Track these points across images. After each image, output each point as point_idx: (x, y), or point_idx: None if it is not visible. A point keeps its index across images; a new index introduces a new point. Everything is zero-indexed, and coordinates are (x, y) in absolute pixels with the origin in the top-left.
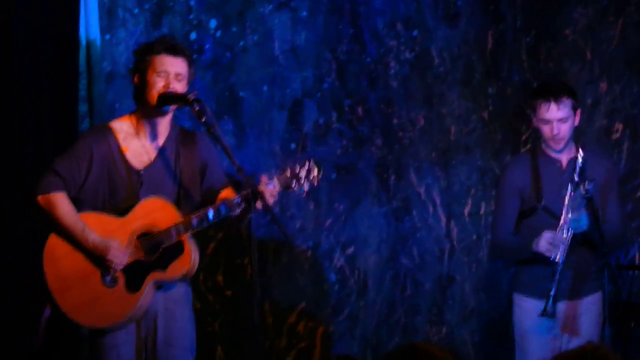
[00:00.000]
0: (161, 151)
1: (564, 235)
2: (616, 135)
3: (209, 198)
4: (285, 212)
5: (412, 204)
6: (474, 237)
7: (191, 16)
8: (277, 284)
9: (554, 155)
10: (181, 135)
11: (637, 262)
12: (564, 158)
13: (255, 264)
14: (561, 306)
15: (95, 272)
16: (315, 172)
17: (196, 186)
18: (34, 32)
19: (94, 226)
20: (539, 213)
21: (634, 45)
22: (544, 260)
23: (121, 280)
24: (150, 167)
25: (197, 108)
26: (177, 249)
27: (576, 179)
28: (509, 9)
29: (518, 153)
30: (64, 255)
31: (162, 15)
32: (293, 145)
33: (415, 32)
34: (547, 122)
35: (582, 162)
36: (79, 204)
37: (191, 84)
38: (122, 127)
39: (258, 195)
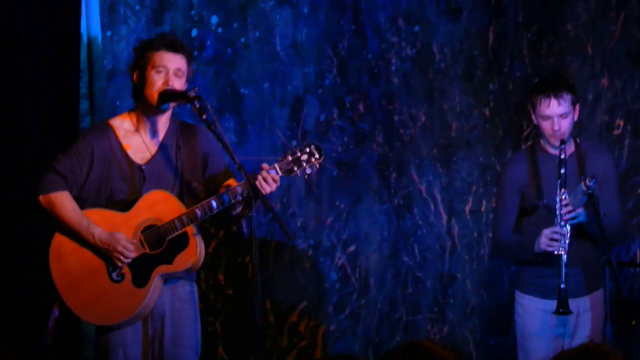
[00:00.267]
0: (162, 146)
1: (563, 229)
2: (617, 131)
3: (212, 189)
4: (287, 210)
5: (414, 201)
6: (475, 234)
7: (192, 12)
8: (278, 283)
9: (553, 151)
10: (181, 129)
11: (638, 259)
12: (566, 156)
13: (256, 263)
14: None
15: (101, 268)
16: (316, 155)
17: (198, 178)
18: (35, 30)
19: (99, 222)
20: (540, 211)
21: (635, 40)
22: (547, 260)
23: (128, 276)
24: (151, 161)
25: (197, 105)
26: (183, 241)
27: (562, 170)
28: (510, 4)
29: (518, 150)
30: (69, 253)
31: (164, 11)
32: (294, 142)
33: (416, 28)
34: (548, 118)
35: (565, 155)
36: (81, 202)
37: (191, 80)
38: (122, 124)
39: (259, 192)
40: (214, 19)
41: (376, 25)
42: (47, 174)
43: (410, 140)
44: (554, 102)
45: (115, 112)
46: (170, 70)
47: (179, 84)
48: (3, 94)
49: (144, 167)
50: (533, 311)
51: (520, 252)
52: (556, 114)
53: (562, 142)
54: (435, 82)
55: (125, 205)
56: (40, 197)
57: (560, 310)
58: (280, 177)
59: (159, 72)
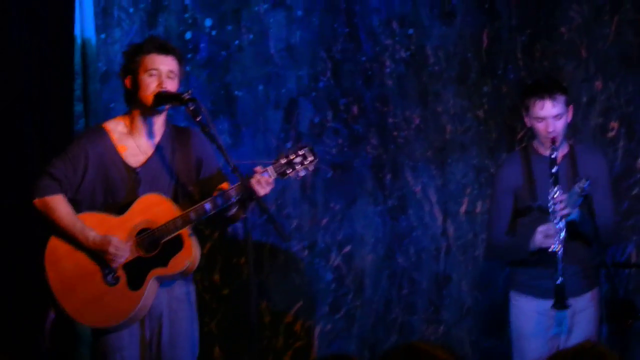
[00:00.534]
0: (157, 149)
1: (557, 225)
2: (611, 134)
3: (206, 192)
4: (282, 211)
5: (408, 202)
6: (470, 235)
7: (186, 15)
8: (273, 284)
9: (546, 153)
10: (175, 133)
11: (633, 260)
12: (557, 155)
13: (251, 264)
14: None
15: (96, 271)
16: (310, 158)
17: (193, 181)
18: (29, 32)
19: (93, 225)
20: (534, 212)
21: (629, 43)
22: (541, 260)
23: (123, 278)
24: (146, 165)
25: (192, 107)
26: (177, 244)
27: (554, 169)
28: (504, 8)
29: (512, 152)
30: (65, 257)
31: (157, 14)
32: (289, 144)
33: (410, 31)
34: (542, 119)
35: (557, 153)
36: (77, 206)
37: (183, 81)
38: (117, 127)
39: (253, 193)
40: (208, 22)
41: (370, 28)
42: (41, 178)
43: (404, 143)
44: (548, 103)
45: (109, 114)
46: (163, 72)
47: (172, 86)
48: None
49: (139, 170)
50: (528, 312)
51: (515, 252)
52: (550, 115)
53: (554, 141)
54: (429, 84)
55: (120, 208)
56: (35, 201)
57: (558, 305)
58: (275, 180)
59: (151, 75)
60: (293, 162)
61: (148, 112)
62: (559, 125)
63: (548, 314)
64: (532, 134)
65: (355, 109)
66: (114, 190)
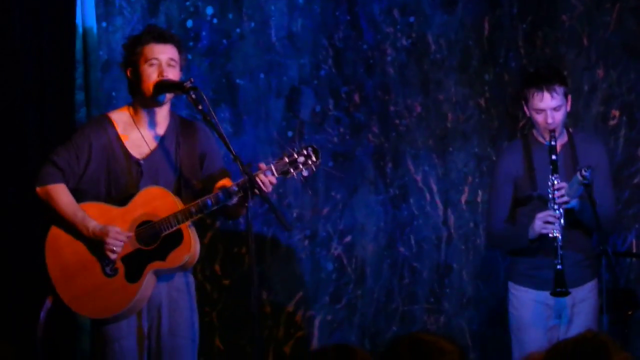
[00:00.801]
0: (161, 141)
1: (557, 212)
2: (613, 122)
3: (208, 187)
4: (283, 200)
5: (410, 191)
6: (472, 224)
7: (187, 3)
8: (274, 273)
9: (546, 143)
10: (181, 125)
11: (634, 249)
12: (557, 145)
13: (252, 253)
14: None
15: (95, 262)
16: (313, 158)
17: (196, 176)
18: (30, 21)
19: (95, 215)
20: (534, 201)
21: (630, 31)
22: (541, 249)
23: (121, 270)
24: (150, 157)
25: (193, 96)
26: (177, 238)
27: (553, 157)
28: None
29: (514, 140)
30: (65, 245)
31: (159, 2)
32: (290, 133)
33: (412, 19)
34: (541, 111)
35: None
36: (80, 195)
37: (184, 69)
38: (121, 117)
39: (255, 184)
40: (209, 10)
41: (371, 16)
42: (45, 166)
43: (406, 131)
44: (546, 95)
45: (110, 103)
46: (163, 61)
47: (173, 74)
48: None
49: (142, 162)
50: (527, 302)
51: (515, 240)
52: (549, 107)
53: (553, 131)
54: (431, 72)
55: (123, 199)
56: (38, 189)
57: (558, 290)
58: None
59: (151, 65)
60: (296, 161)
61: (151, 103)
62: (557, 117)
63: (547, 304)
64: (532, 123)
65: (356, 97)
66: (117, 181)
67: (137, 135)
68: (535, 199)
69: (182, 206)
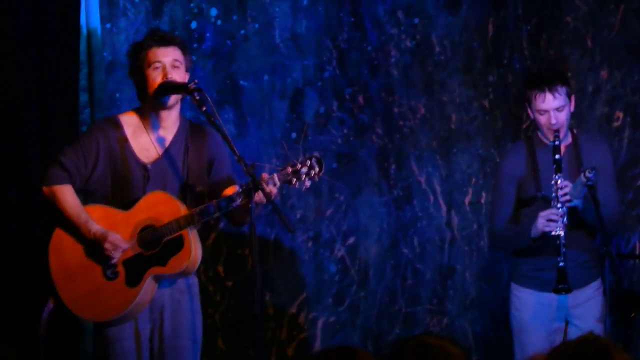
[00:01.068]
0: (169, 146)
1: (560, 210)
2: (617, 123)
3: (215, 193)
4: (286, 202)
5: (413, 193)
6: (475, 226)
7: (192, 5)
8: (278, 275)
9: (550, 144)
10: (191, 130)
11: (637, 251)
12: (562, 146)
13: (256, 255)
14: (559, 297)
15: (97, 265)
16: (317, 169)
17: (203, 182)
18: (35, 22)
19: (99, 218)
20: (538, 202)
21: (634, 32)
22: (544, 249)
23: (122, 274)
24: (157, 162)
25: (197, 97)
26: (178, 244)
27: (556, 156)
28: None
29: (513, 142)
30: (68, 247)
31: (163, 4)
32: (294, 134)
33: (416, 20)
34: (544, 112)
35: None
36: (89, 195)
37: (191, 70)
38: (131, 120)
39: (258, 185)
40: (214, 12)
41: (375, 17)
42: (52, 166)
43: (409, 132)
44: (549, 96)
45: (114, 104)
46: (167, 63)
47: (178, 75)
48: (3, 86)
49: (149, 167)
50: (530, 304)
51: (517, 239)
52: (552, 108)
53: (557, 131)
54: (435, 74)
55: (128, 203)
56: (44, 189)
57: (560, 287)
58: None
59: (155, 68)
60: (299, 171)
61: (159, 107)
62: (561, 117)
63: (550, 305)
64: (536, 124)
65: (360, 99)
66: (123, 184)
67: (146, 139)
68: (539, 200)
69: (186, 212)
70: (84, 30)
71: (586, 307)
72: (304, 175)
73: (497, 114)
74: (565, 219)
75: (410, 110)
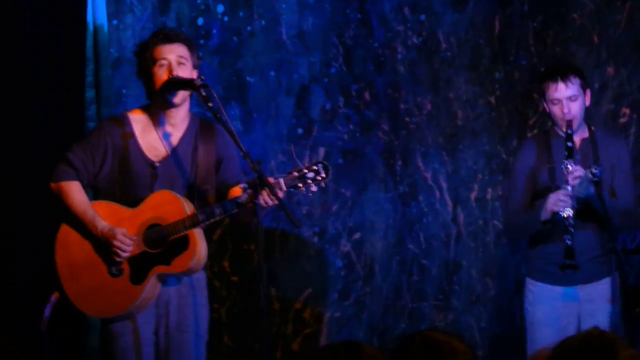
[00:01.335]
0: (178, 144)
1: (569, 192)
2: (623, 120)
3: (222, 192)
4: (292, 198)
5: (419, 189)
6: (481, 222)
7: (198, 1)
8: (283, 270)
9: (564, 133)
10: (201, 128)
11: None
12: (577, 139)
13: (261, 250)
14: (573, 292)
15: (102, 261)
16: (323, 174)
17: (211, 180)
18: (41, 18)
19: (105, 215)
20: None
21: None
22: (555, 233)
23: (126, 271)
24: (165, 160)
25: (203, 93)
26: (183, 244)
27: (569, 144)
28: None
29: (531, 134)
30: (75, 243)
31: (169, 0)
32: (300, 131)
33: (422, 17)
34: (557, 101)
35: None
36: (98, 192)
37: (199, 67)
38: (140, 118)
39: (264, 182)
40: (220, 8)
41: (382, 14)
42: (60, 163)
43: (416, 129)
44: (561, 85)
45: (120, 101)
46: (172, 60)
47: (184, 72)
48: (9, 82)
49: (157, 165)
50: (544, 299)
51: (529, 225)
52: (565, 97)
53: (570, 122)
54: (441, 71)
55: (135, 200)
56: (51, 185)
57: (567, 263)
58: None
59: (161, 65)
60: (305, 176)
61: (166, 104)
62: (574, 107)
63: (564, 301)
64: (545, 120)
65: (366, 95)
66: (131, 182)
67: (154, 136)
68: (553, 191)
69: (191, 212)
70: (90, 27)
71: (599, 303)
72: (310, 180)
73: (503, 111)
74: (574, 197)
75: (417, 106)
